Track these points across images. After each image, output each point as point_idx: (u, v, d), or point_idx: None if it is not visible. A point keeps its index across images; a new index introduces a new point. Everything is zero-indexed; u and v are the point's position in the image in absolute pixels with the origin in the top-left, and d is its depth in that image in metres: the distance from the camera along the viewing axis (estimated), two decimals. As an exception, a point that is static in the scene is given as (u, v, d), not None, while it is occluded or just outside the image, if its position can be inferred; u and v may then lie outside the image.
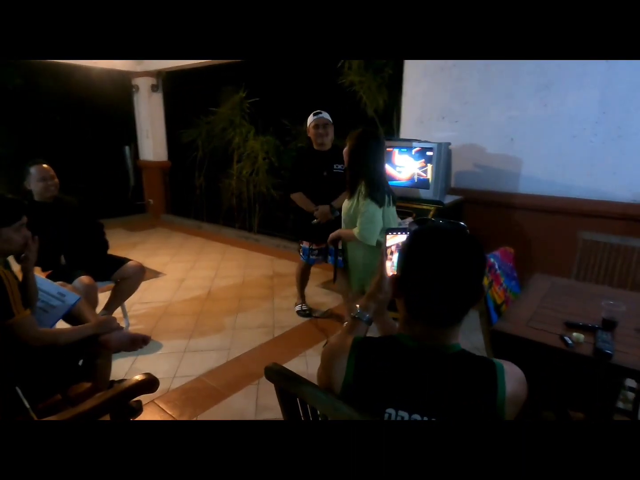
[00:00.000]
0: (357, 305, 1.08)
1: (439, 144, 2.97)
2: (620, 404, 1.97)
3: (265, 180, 5.18)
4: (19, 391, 1.59)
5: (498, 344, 1.61)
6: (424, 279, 0.78)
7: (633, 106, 2.59)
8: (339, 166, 2.75)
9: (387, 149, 3.18)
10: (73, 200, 2.67)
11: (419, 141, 3.09)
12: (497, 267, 1.83)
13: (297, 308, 3.22)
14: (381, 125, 4.10)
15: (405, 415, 0.78)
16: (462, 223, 0.90)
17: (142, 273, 2.69)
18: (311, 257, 2.99)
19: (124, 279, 2.62)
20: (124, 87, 6.17)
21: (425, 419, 0.77)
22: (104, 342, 1.75)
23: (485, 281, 1.75)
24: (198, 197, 6.32)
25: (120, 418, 1.30)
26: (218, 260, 4.55)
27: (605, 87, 2.67)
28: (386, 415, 0.79)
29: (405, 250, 0.83)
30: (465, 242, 0.80)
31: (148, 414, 2.04)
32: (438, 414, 0.77)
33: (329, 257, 2.99)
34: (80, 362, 1.79)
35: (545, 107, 2.90)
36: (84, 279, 2.34)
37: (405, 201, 3.12)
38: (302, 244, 3.03)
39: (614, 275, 2.05)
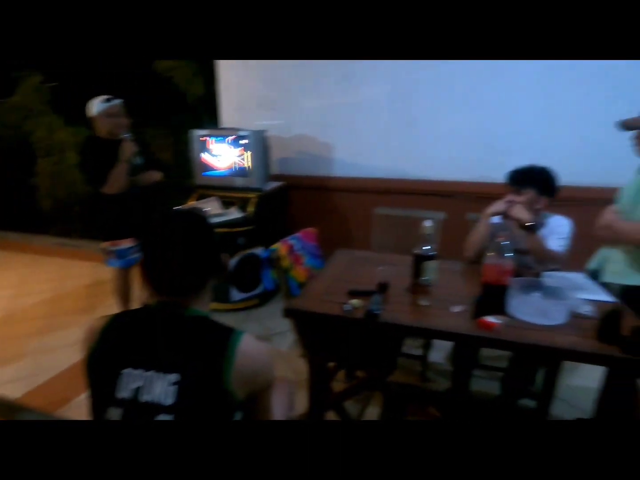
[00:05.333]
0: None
1: (254, 132, 3.00)
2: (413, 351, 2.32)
3: (80, 177, 4.56)
4: None
5: (297, 319, 1.71)
6: (156, 255, 0.89)
7: (415, 99, 3.02)
8: (138, 159, 2.50)
9: (201, 138, 3.10)
10: None
11: (233, 129, 3.08)
12: (297, 248, 1.94)
13: None
14: (204, 113, 3.98)
15: (141, 372, 0.83)
16: (203, 209, 1.02)
17: None
18: (131, 257, 2.58)
19: None
20: None
21: (162, 374, 0.83)
22: None
23: (286, 262, 1.83)
24: (-2, 202, 5.25)
25: None
26: (24, 275, 3.85)
27: (394, 81, 3.04)
28: (124, 375, 0.84)
29: (143, 234, 0.93)
30: (189, 223, 0.92)
31: None
32: (171, 371, 0.83)
33: None
34: None
35: (347, 96, 3.17)
36: None
37: (226, 190, 3.09)
38: (116, 246, 2.56)
39: (402, 244, 2.36)
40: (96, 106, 2.41)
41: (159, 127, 4.11)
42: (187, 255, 0.88)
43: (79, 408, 2.05)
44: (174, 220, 0.93)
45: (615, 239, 1.60)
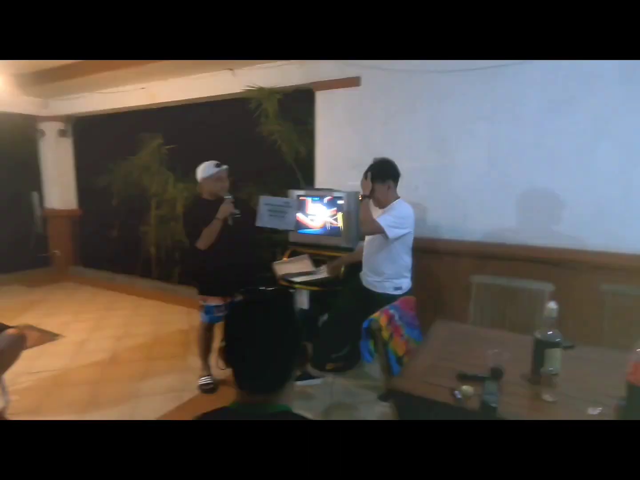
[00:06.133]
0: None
1: (348, 193, 3.06)
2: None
3: (183, 228, 4.97)
4: None
5: (397, 401, 1.58)
6: (239, 351, 0.86)
7: (513, 162, 2.89)
8: (236, 211, 2.63)
9: (300, 198, 3.23)
10: None
11: (330, 190, 3.17)
12: (397, 318, 1.84)
13: (201, 382, 2.79)
14: (300, 173, 4.17)
15: None
16: (290, 290, 0.98)
17: (21, 344, 2.36)
18: (217, 315, 2.70)
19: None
20: (28, 132, 5.74)
21: None
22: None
23: (385, 334, 1.74)
24: (112, 246, 5.91)
25: None
26: (128, 317, 4.19)
27: (491, 142, 2.95)
28: None
29: (226, 324, 0.90)
30: (277, 314, 0.89)
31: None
32: None
33: None
34: None
35: (442, 159, 3.14)
36: None
37: (318, 249, 3.13)
38: (205, 301, 2.71)
39: (505, 317, 2.16)
40: (206, 170, 2.64)
41: (257, 185, 4.39)
42: (273, 353, 0.85)
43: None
44: (258, 312, 0.88)
45: None
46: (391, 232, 2.29)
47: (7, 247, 5.48)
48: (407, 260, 2.50)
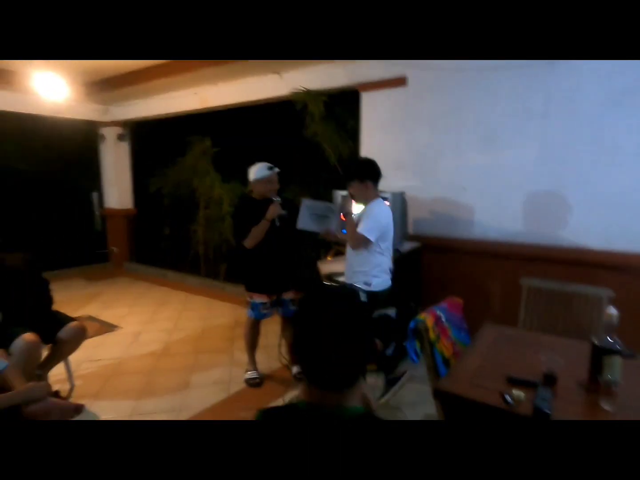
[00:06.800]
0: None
1: (394, 194, 3.04)
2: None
3: (230, 227, 5.15)
4: None
5: (444, 402, 1.57)
6: (311, 345, 0.82)
7: (567, 160, 2.75)
8: (284, 211, 2.70)
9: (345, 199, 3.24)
10: (17, 257, 2.56)
11: (375, 191, 3.16)
12: (444, 319, 1.83)
13: (247, 376, 2.87)
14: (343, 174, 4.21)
15: None
16: (355, 286, 0.96)
17: (82, 335, 2.56)
18: (262, 311, 2.80)
19: (63, 341, 2.47)
20: (90, 136, 6.17)
21: None
22: (29, 414, 1.62)
23: (432, 335, 1.73)
24: (163, 244, 6.22)
25: None
26: (179, 311, 4.39)
27: (543, 140, 2.84)
28: None
29: (295, 317, 0.88)
30: (351, 309, 0.85)
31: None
32: None
33: (280, 309, 2.88)
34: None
35: (490, 158, 3.05)
36: (28, 336, 2.19)
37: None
38: (252, 298, 2.81)
39: (558, 322, 2.07)
40: (258, 172, 2.72)
41: (301, 185, 4.48)
42: (349, 346, 0.81)
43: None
44: (330, 304, 0.85)
45: None
46: (372, 235, 2.31)
47: (70, 244, 5.92)
48: (380, 259, 2.44)
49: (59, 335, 2.45)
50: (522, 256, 2.91)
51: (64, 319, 2.54)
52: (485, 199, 3.11)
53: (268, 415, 0.89)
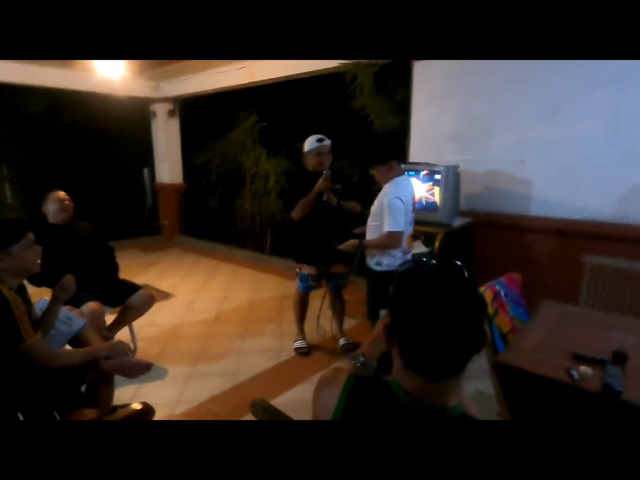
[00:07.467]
0: (361, 352, 1.02)
1: (447, 167, 2.96)
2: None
3: (276, 202, 5.23)
4: (21, 417, 1.61)
5: (503, 376, 1.55)
6: (416, 328, 0.71)
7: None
8: (337, 185, 2.70)
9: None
10: (86, 225, 2.74)
11: (427, 164, 3.09)
12: (503, 294, 1.79)
13: (296, 345, 2.96)
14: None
15: None
16: (459, 262, 0.78)
17: (151, 302, 2.73)
18: (310, 283, 2.86)
19: (133, 306, 2.64)
20: (142, 113, 6.39)
21: None
22: (108, 367, 1.76)
23: (491, 309, 1.71)
24: (211, 218, 6.42)
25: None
26: (228, 282, 4.56)
27: (616, 109, 2.63)
28: None
29: (395, 295, 0.75)
30: (462, 285, 0.73)
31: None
32: None
33: (330, 282, 2.93)
34: (83, 389, 1.79)
35: (553, 130, 2.88)
36: (92, 305, 2.37)
37: (414, 224, 3.09)
38: (301, 269, 2.88)
39: (624, 302, 1.97)
40: (310, 144, 2.73)
41: (348, 159, 4.44)
42: (463, 329, 0.70)
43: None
44: (440, 282, 0.72)
45: None
46: (400, 226, 2.27)
47: (125, 217, 6.24)
48: None
49: (130, 301, 2.63)
50: (587, 234, 2.76)
51: (133, 286, 2.71)
52: (546, 174, 2.95)
53: (359, 384, 0.80)
